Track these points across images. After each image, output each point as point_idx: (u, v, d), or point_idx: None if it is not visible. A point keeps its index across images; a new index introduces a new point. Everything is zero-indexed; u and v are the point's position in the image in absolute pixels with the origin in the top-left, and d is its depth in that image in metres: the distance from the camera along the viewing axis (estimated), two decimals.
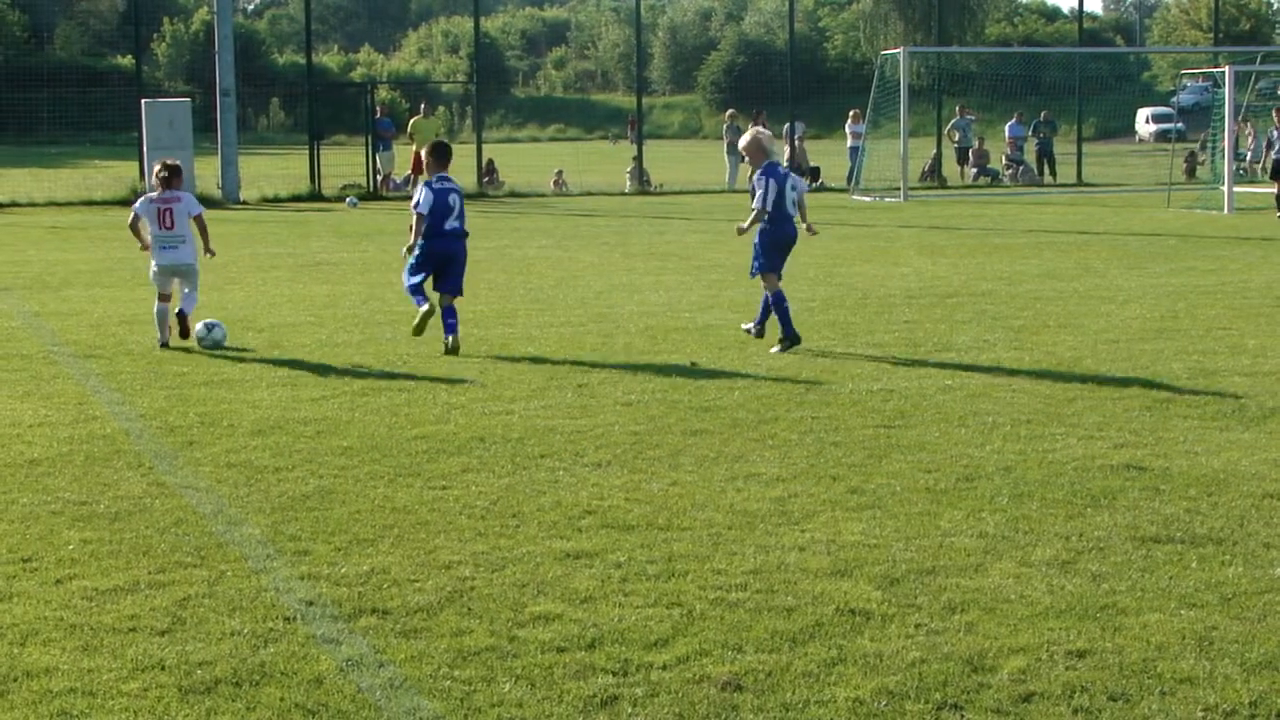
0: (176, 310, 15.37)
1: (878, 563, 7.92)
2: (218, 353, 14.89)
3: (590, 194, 42.56)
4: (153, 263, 15.68)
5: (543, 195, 42.33)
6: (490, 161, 43.83)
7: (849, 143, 45.67)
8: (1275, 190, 33.36)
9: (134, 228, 15.97)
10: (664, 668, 6.50)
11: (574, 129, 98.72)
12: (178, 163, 16.42)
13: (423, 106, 44.18)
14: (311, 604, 7.34)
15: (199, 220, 15.73)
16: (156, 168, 16.04)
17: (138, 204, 16.01)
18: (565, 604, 7.30)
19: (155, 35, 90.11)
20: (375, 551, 8.20)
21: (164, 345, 15.24)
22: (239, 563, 8.01)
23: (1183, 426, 11.21)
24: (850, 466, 10.07)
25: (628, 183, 44.22)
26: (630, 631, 6.92)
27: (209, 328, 15.46)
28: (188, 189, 30.69)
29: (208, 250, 15.78)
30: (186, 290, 15.57)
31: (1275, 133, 34.36)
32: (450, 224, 15.06)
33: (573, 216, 34.80)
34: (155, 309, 15.59)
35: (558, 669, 6.49)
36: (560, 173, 44.83)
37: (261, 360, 14.48)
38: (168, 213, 15.59)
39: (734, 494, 9.40)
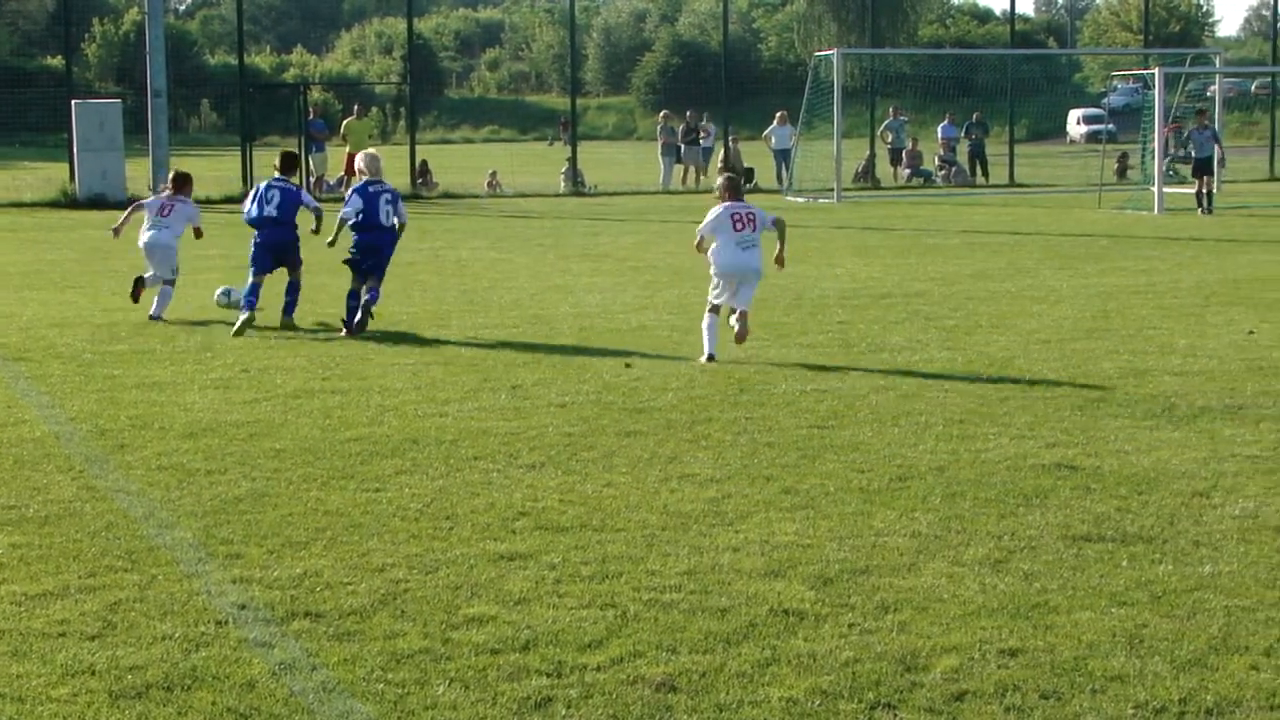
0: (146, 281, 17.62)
1: (811, 563, 7.94)
2: (148, 356, 14.78)
3: (524, 195, 42.49)
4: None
5: (477, 197, 42.22)
6: (424, 163, 43.67)
7: (773, 144, 45.71)
8: (1195, 189, 33.95)
9: (130, 211, 18.44)
10: (598, 669, 6.50)
11: (508, 130, 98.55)
12: (188, 172, 19.00)
13: (356, 108, 44.01)
14: (244, 607, 7.30)
15: (197, 230, 18.33)
16: (170, 174, 18.94)
17: (147, 200, 18.81)
18: (499, 606, 7.29)
19: (85, 36, 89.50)
20: (308, 554, 8.17)
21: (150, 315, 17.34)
22: (170, 567, 7.96)
23: (1113, 426, 11.28)
24: (784, 467, 10.09)
25: (562, 184, 44.17)
26: (564, 633, 6.91)
27: (226, 294, 17.83)
28: (117, 191, 30.55)
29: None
30: (154, 271, 17.62)
31: (1196, 133, 34.80)
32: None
33: (507, 218, 34.75)
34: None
35: (492, 671, 6.48)
36: (494, 174, 44.73)
37: (193, 363, 14.39)
38: (170, 207, 18.00)
39: (668, 495, 9.40)
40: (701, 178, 46.05)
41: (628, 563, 7.98)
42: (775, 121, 46.22)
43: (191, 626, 7.03)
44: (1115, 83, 79.94)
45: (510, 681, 6.37)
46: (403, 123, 69.58)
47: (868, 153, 48.27)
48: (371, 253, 16.43)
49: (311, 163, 42.05)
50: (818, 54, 48.11)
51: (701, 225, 14.83)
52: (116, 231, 18.40)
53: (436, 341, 15.56)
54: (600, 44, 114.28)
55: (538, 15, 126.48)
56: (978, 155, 49.55)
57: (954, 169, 49.17)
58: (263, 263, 16.87)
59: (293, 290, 16.90)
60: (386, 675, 6.45)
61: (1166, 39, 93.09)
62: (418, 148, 44.05)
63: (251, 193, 17.42)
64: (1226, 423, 11.37)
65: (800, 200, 40.24)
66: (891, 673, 6.42)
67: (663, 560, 8.02)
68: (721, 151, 46.31)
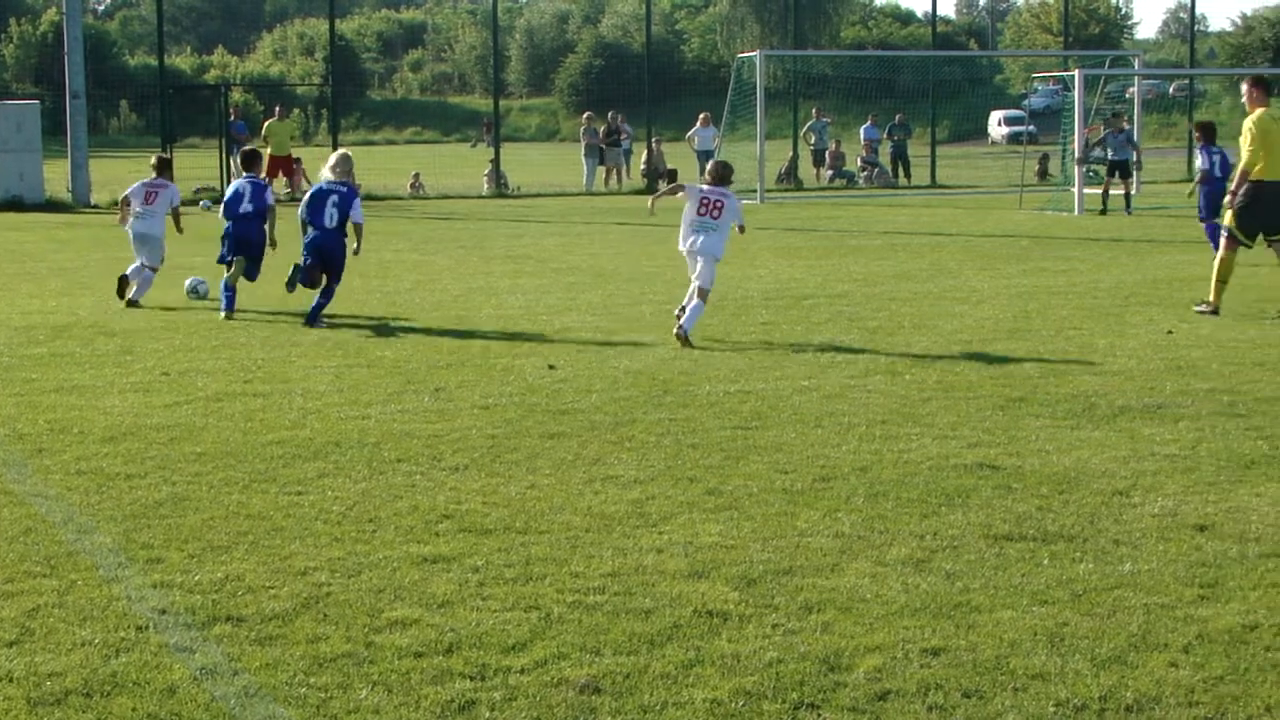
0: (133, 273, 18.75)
1: (735, 564, 7.95)
2: (67, 359, 14.66)
3: (447, 197, 42.41)
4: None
5: (399, 198, 42.08)
6: None
7: (696, 145, 45.79)
8: (1114, 189, 34.48)
9: (123, 204, 19.45)
10: (522, 671, 6.48)
11: (431, 132, 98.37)
12: (168, 157, 20.72)
13: (277, 109, 43.73)
14: (164, 612, 7.25)
15: (174, 211, 19.26)
16: (152, 160, 20.18)
17: (131, 187, 19.46)
18: (422, 609, 7.26)
19: (2, 36, 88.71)
20: (229, 558, 8.11)
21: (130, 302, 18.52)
22: (90, 571, 7.89)
23: (1034, 425, 11.35)
24: (708, 468, 10.10)
25: (485, 185, 44.11)
26: (488, 636, 6.89)
27: (195, 286, 19.26)
28: (35, 193, 30.65)
29: (178, 229, 19.57)
30: (142, 260, 18.80)
31: (1112, 136, 35.24)
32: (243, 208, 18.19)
33: (430, 219, 34.66)
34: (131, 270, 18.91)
35: (415, 674, 6.45)
36: (417, 175, 44.62)
37: (113, 366, 14.27)
38: (153, 193, 19.17)
39: (592, 497, 9.39)
40: (624, 179, 46.10)
41: (551, 565, 7.97)
42: (698, 123, 46.32)
43: (111, 632, 6.97)
44: (1036, 84, 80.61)
45: (434, 685, 6.35)
46: (325, 124, 69.37)
47: (790, 154, 48.42)
48: (316, 252, 17.14)
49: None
50: (740, 55, 48.23)
51: (686, 207, 16.36)
52: (124, 222, 19.40)
53: (359, 344, 15.49)
54: (523, 45, 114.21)
55: (460, 16, 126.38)
56: (900, 156, 49.82)
57: (876, 170, 49.39)
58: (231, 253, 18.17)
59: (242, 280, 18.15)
60: (309, 679, 6.41)
61: (1086, 41, 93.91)
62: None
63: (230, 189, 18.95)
64: (1146, 422, 11.46)
65: None
66: (815, 673, 6.44)
67: (586, 562, 8.01)
68: (645, 153, 46.38)
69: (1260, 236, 17.87)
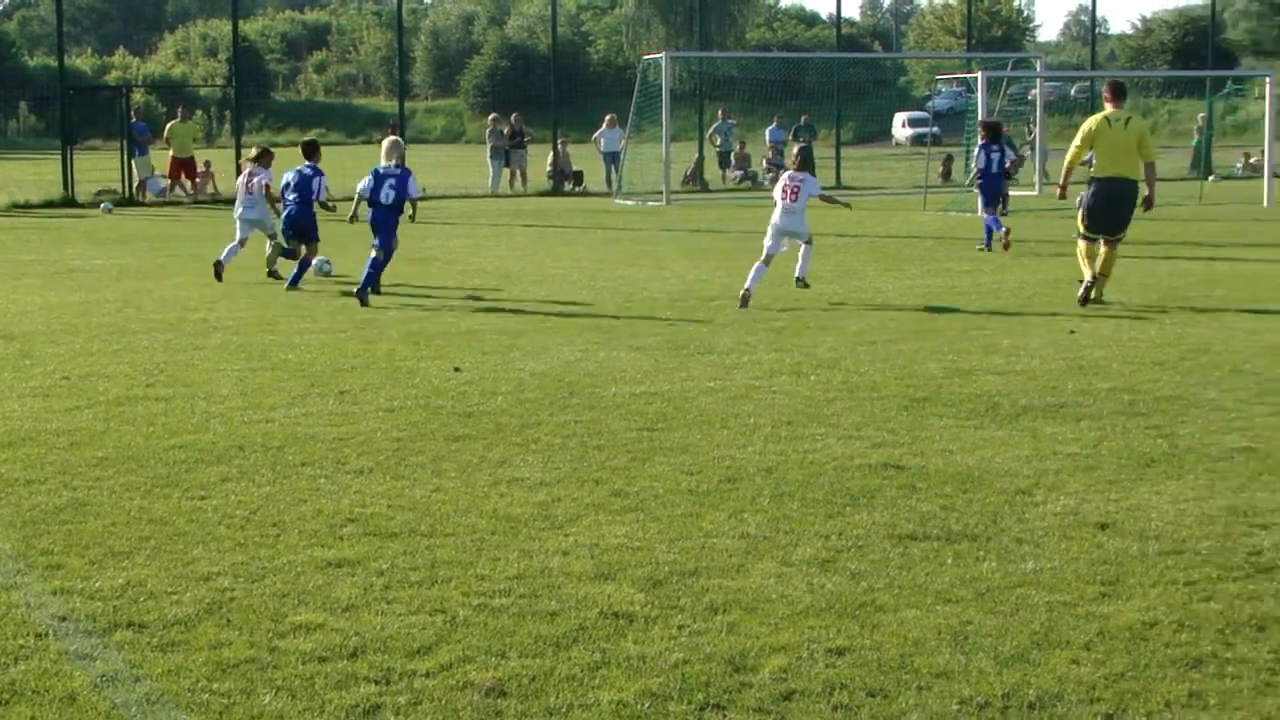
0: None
1: (641, 565, 7.95)
2: None
3: (350, 199, 42.10)
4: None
5: None
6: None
7: (603, 146, 45.79)
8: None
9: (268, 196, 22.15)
10: (427, 675, 6.46)
11: (336, 133, 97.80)
12: (266, 148, 23.62)
13: (180, 111, 43.42)
14: (64, 619, 7.16)
15: (268, 189, 22.01)
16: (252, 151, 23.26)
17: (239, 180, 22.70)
18: (327, 613, 7.22)
19: None
20: (131, 564, 8.03)
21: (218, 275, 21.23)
22: None
23: (939, 425, 11.42)
24: (613, 470, 10.10)
25: None
26: (393, 640, 6.86)
27: (320, 265, 21.86)
28: None
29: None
30: (271, 238, 22.09)
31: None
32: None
33: (335, 221, 34.41)
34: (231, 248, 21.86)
35: (319, 679, 6.41)
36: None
37: (12, 370, 14.11)
38: (251, 183, 22.27)
39: (497, 499, 9.37)
40: (527, 181, 46.02)
41: (457, 568, 7.94)
42: (604, 124, 46.30)
43: (9, 640, 6.89)
44: (939, 86, 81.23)
45: (338, 689, 6.31)
46: (228, 126, 68.84)
47: (696, 155, 48.51)
48: (373, 226, 19.81)
49: (135, 166, 41.41)
50: (646, 57, 48.30)
51: (776, 187, 20.07)
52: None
53: (263, 347, 15.39)
54: (428, 47, 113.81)
55: (365, 17, 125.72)
56: (805, 158, 49.95)
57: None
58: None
59: (303, 265, 21.12)
60: (212, 685, 6.36)
61: (989, 43, 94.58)
62: (244, 151, 43.56)
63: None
64: (1048, 421, 11.55)
65: (629, 203, 40.36)
66: (721, 673, 6.44)
67: (492, 565, 7.99)
68: (551, 155, 46.32)
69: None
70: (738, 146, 50.10)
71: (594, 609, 7.25)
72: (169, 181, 41.78)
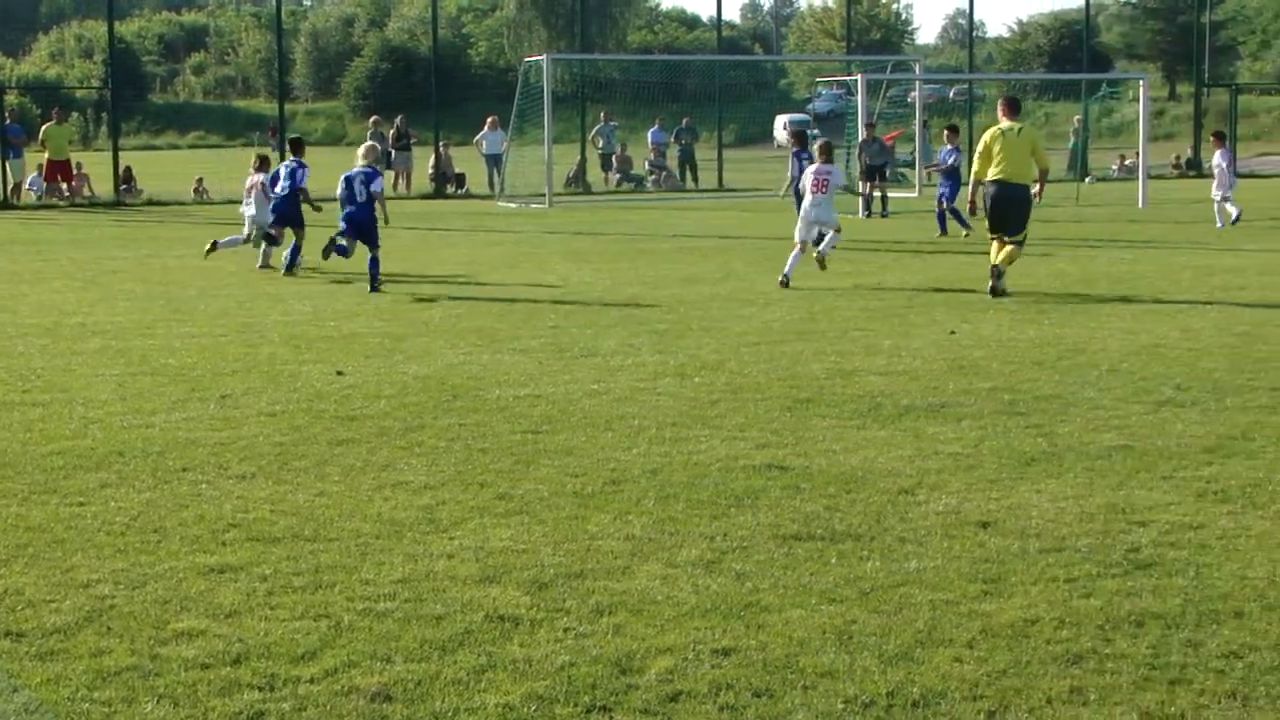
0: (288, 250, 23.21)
1: (526, 568, 7.93)
2: None
3: (233, 202, 41.62)
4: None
5: (183, 203, 41.49)
6: (128, 169, 42.78)
7: (485, 149, 45.71)
8: (866, 192, 36.06)
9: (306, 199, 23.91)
10: (311, 681, 6.41)
11: (215, 136, 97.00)
12: (265, 156, 26.12)
13: (55, 113, 42.94)
14: None
15: (303, 190, 23.92)
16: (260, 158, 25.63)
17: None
18: (209, 620, 7.15)
19: None
20: (8, 572, 7.92)
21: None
22: None
23: (822, 426, 11.48)
24: (498, 472, 10.07)
25: None
26: (276, 645, 6.81)
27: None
28: None
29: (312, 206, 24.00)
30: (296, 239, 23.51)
31: (866, 145, 36.41)
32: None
33: (215, 225, 34.14)
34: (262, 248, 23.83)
35: (202, 686, 6.35)
36: (201, 180, 43.97)
37: None
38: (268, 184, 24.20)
39: (381, 503, 9.32)
40: (411, 183, 45.83)
41: (341, 572, 7.89)
42: (486, 127, 46.21)
43: None
44: (820, 88, 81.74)
45: (221, 696, 6.25)
46: (105, 128, 68.05)
47: (578, 158, 48.55)
48: (351, 223, 20.98)
49: (9, 169, 40.85)
50: (528, 59, 48.28)
51: (803, 177, 22.51)
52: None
53: (142, 352, 15.23)
54: (308, 48, 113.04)
55: (244, 19, 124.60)
56: (687, 160, 50.18)
57: (664, 174, 49.69)
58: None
59: (295, 252, 22.88)
60: (92, 694, 6.28)
61: (868, 46, 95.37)
62: (121, 154, 43.15)
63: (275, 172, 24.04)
64: (930, 421, 11.65)
65: (512, 205, 40.31)
66: (607, 675, 6.44)
67: (377, 569, 7.95)
68: (433, 157, 46.17)
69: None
70: (619, 149, 50.16)
71: (479, 612, 7.23)
72: (45, 184, 41.26)
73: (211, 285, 21.30)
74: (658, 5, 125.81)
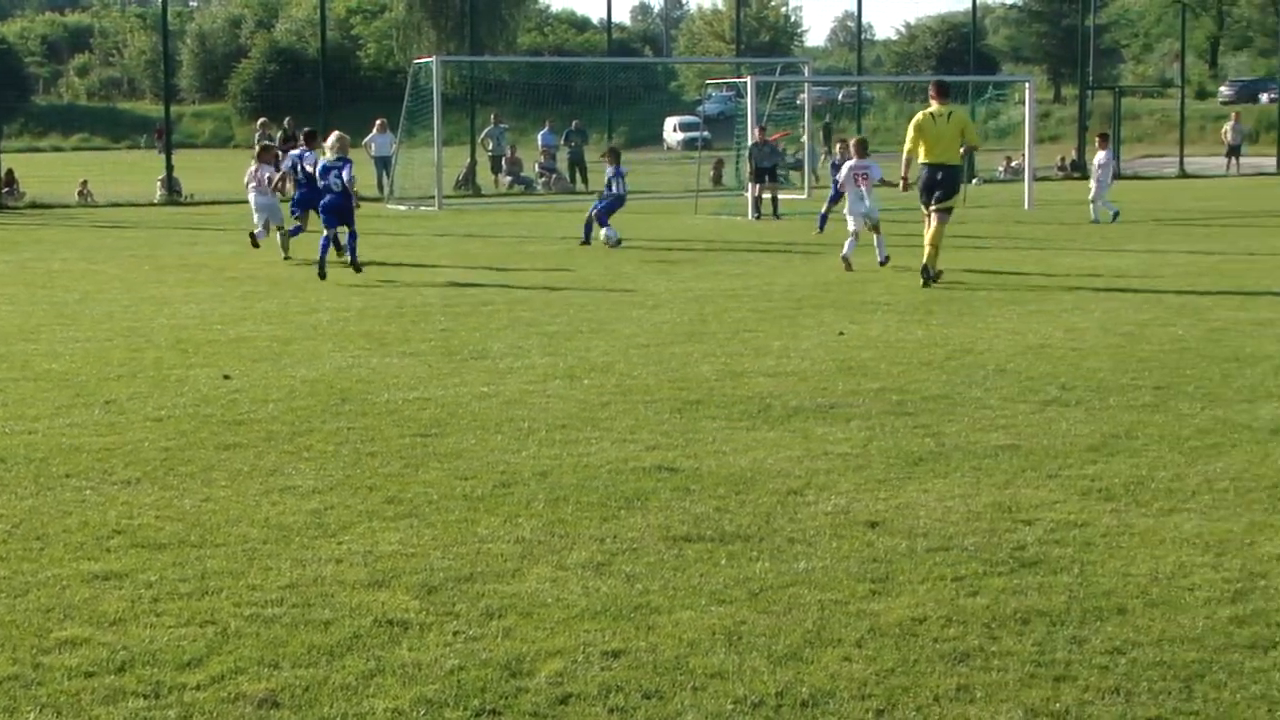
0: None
1: (416, 572, 7.90)
2: None
3: (118, 205, 41.41)
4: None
5: (67, 206, 40.99)
6: (10, 171, 42.21)
7: (374, 151, 45.49)
8: (753, 194, 36.29)
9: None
10: (198, 688, 6.35)
11: (100, 138, 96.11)
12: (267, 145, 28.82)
13: None
14: None
15: (273, 178, 26.70)
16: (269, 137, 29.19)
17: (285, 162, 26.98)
18: (93, 627, 7.06)
19: None
20: None
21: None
22: None
23: (712, 427, 11.50)
24: (387, 476, 10.03)
25: (158, 192, 43.21)
26: (162, 653, 6.74)
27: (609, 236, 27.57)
28: None
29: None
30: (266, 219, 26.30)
31: (757, 147, 36.59)
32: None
33: (99, 228, 33.82)
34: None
35: (86, 695, 6.27)
36: (85, 183, 43.47)
37: None
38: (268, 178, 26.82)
39: (269, 508, 9.25)
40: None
41: (228, 578, 7.82)
42: (375, 129, 45.98)
43: None
44: (710, 91, 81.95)
45: (106, 705, 6.18)
46: None
47: (468, 160, 48.41)
48: (330, 209, 22.95)
49: None
50: (417, 61, 48.07)
51: (841, 172, 24.48)
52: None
53: (24, 357, 15.03)
54: (195, 50, 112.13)
55: (129, 20, 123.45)
56: (577, 162, 50.20)
57: (554, 176, 49.68)
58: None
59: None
60: None
61: (758, 48, 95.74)
62: (3, 156, 42.62)
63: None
64: (819, 422, 11.70)
65: (402, 208, 40.15)
66: (497, 679, 6.43)
67: (264, 574, 7.89)
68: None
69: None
70: (509, 151, 50.09)
71: (368, 617, 7.19)
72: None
73: (96, 289, 21.06)
74: (548, 7, 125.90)
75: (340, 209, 22.96)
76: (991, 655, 6.68)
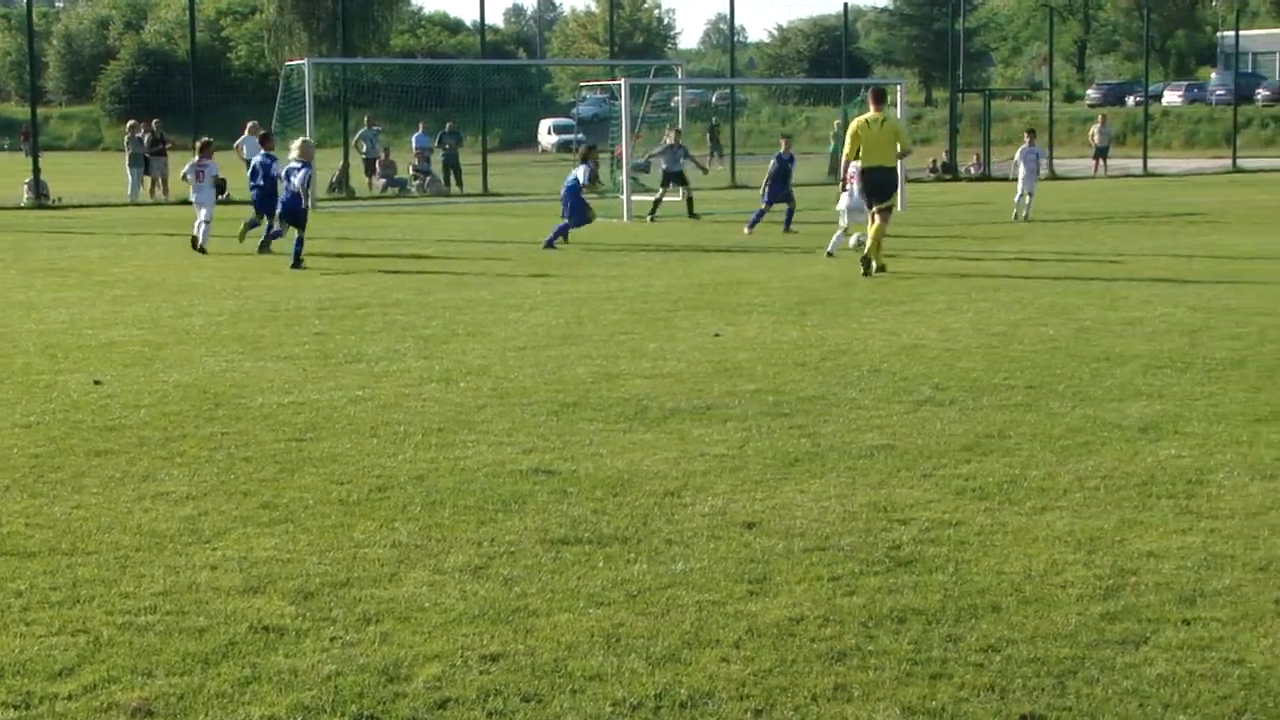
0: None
1: (291, 577, 7.83)
2: None
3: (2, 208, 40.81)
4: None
5: None
6: None
7: (245, 154, 45.10)
8: (670, 197, 36.11)
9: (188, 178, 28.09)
10: (69, 698, 6.26)
11: None
12: (209, 140, 29.57)
13: None
14: None
15: (217, 178, 28.41)
16: (199, 143, 29.21)
17: (186, 167, 28.81)
18: None
19: None
20: None
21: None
22: None
23: (588, 430, 11.50)
24: (262, 481, 9.94)
25: (24, 196, 42.61)
26: (32, 662, 6.63)
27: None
28: None
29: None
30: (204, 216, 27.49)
31: (669, 149, 36.68)
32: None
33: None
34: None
35: None
36: None
37: None
38: (202, 170, 28.30)
39: (142, 514, 9.14)
40: (169, 189, 45.07)
41: (100, 586, 7.72)
42: (246, 131, 45.54)
43: None
44: (584, 93, 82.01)
45: None
46: None
47: (341, 163, 48.12)
48: (286, 210, 25.15)
49: None
50: (289, 63, 47.74)
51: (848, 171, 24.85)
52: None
53: None
54: (61, 51, 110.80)
55: None
56: (452, 164, 50.06)
57: (428, 178, 49.51)
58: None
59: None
60: None
61: (631, 50, 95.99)
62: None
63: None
64: (695, 423, 11.73)
65: None
66: (374, 684, 6.39)
67: (137, 582, 7.79)
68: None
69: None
70: (383, 153, 49.85)
71: (243, 623, 7.13)
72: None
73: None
74: (420, 9, 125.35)
75: (296, 210, 24.88)
76: (868, 654, 6.72)
